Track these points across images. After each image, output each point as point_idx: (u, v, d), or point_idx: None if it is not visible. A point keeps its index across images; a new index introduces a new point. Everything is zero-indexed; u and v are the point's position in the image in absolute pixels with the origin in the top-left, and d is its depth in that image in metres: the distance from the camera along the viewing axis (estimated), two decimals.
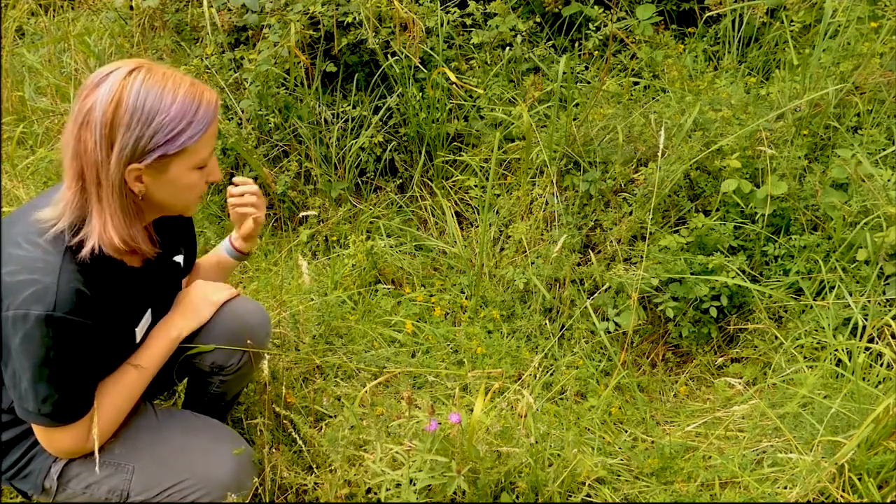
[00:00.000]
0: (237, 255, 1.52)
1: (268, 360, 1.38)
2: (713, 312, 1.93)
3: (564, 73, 2.26)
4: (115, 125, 1.05)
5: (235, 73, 2.51)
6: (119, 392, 1.21)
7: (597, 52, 2.63)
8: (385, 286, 2.18)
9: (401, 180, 2.58)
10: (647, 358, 2.01)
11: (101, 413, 1.18)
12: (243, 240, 1.49)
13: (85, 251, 1.08)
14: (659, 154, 1.90)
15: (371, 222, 2.44)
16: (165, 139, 1.08)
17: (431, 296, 2.15)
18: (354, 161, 2.50)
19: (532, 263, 2.16)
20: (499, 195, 2.39)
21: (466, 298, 2.16)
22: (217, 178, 1.20)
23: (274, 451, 1.41)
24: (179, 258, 1.36)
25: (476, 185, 2.39)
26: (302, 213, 2.11)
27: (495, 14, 2.63)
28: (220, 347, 1.36)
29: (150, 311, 1.27)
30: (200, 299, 1.33)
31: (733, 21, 2.56)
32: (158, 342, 1.27)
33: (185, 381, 1.52)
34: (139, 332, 1.25)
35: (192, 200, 1.19)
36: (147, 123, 1.06)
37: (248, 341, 1.38)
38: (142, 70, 1.08)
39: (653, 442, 1.65)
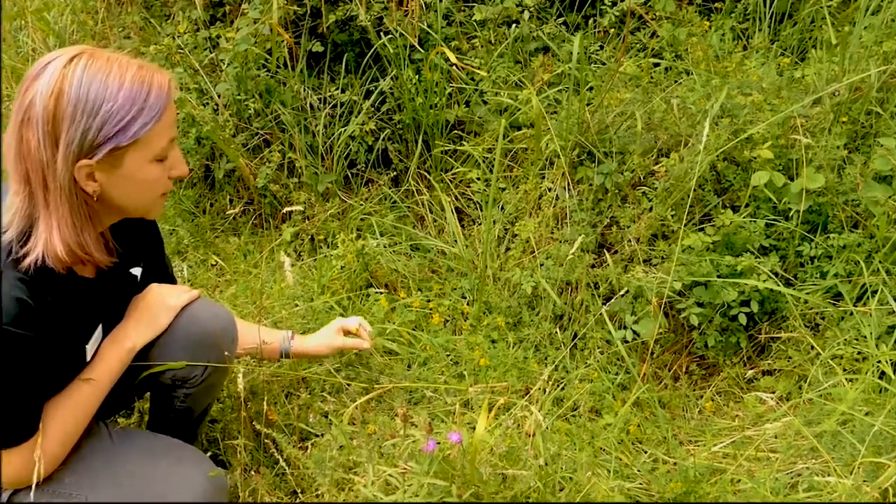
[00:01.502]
0: (285, 353, 1.63)
1: (243, 373, 1.39)
2: (742, 320, 1.93)
3: (577, 53, 2.26)
4: (59, 119, 1.04)
5: (211, 53, 2.51)
6: (68, 412, 1.19)
7: (613, 30, 2.62)
8: (378, 290, 2.18)
9: (395, 173, 2.58)
10: (670, 370, 2.01)
11: (48, 435, 1.15)
12: (312, 349, 1.65)
13: (28, 261, 1.08)
14: (682, 143, 1.89)
15: (362, 219, 2.44)
16: (115, 130, 1.07)
17: (429, 301, 2.15)
18: (343, 151, 2.50)
19: (541, 265, 2.16)
20: (504, 189, 2.39)
21: (468, 304, 2.17)
22: (182, 173, 1.19)
23: (254, 473, 1.41)
24: (137, 271, 1.35)
25: (479, 178, 2.39)
26: (285, 209, 2.14)
27: None
28: (192, 364, 1.36)
29: (101, 326, 1.26)
30: (157, 305, 1.33)
31: None
32: (111, 355, 1.26)
33: (147, 396, 1.52)
34: (90, 349, 1.24)
35: (153, 199, 1.18)
36: (93, 114, 1.05)
37: (213, 348, 1.38)
38: (83, 56, 1.07)
39: (675, 464, 1.64)
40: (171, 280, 1.53)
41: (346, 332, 1.73)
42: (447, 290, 2.22)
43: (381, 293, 2.17)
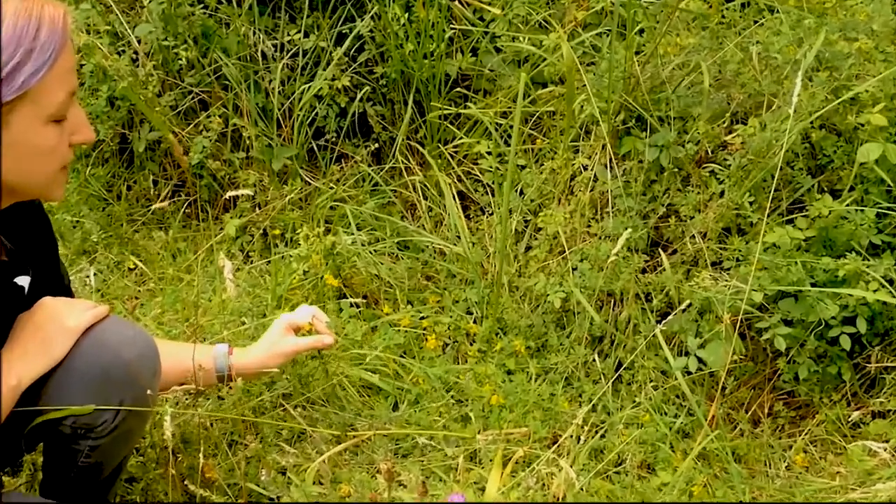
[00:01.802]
0: (224, 375, 1.64)
1: (170, 415, 1.37)
2: (845, 343, 1.92)
3: None
4: None
5: None
6: None
7: None
8: (353, 303, 2.16)
9: (377, 145, 2.56)
10: (747, 411, 2.00)
11: None
12: (258, 362, 1.67)
13: None
14: (764, 105, 1.89)
15: (332, 208, 2.43)
16: None
17: (423, 318, 2.14)
18: (307, 116, 2.48)
19: (574, 270, 2.14)
20: (524, 167, 2.37)
21: (475, 322, 2.15)
22: (87, 138, 1.18)
23: None
24: (24, 280, 1.35)
25: (490, 153, 2.37)
26: (228, 194, 2.13)
27: None
28: (100, 409, 1.34)
29: None
30: (51, 327, 1.31)
31: None
32: None
33: (41, 448, 1.50)
34: None
35: (51, 175, 1.18)
36: None
37: (128, 384, 1.36)
38: None
39: None
40: (68, 293, 1.51)
41: (297, 331, 1.72)
42: (447, 303, 2.20)
43: (358, 307, 2.15)
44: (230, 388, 1.79)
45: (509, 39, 2.50)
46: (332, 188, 2.46)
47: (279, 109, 2.48)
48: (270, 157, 2.45)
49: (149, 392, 1.38)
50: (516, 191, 2.33)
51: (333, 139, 2.54)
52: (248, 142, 2.46)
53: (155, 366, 1.41)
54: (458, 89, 2.54)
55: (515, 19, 2.52)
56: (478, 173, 2.45)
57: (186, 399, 1.80)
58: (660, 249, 2.17)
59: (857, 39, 2.18)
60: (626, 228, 2.08)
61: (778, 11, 2.35)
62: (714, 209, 2.11)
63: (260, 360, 1.69)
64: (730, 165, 2.12)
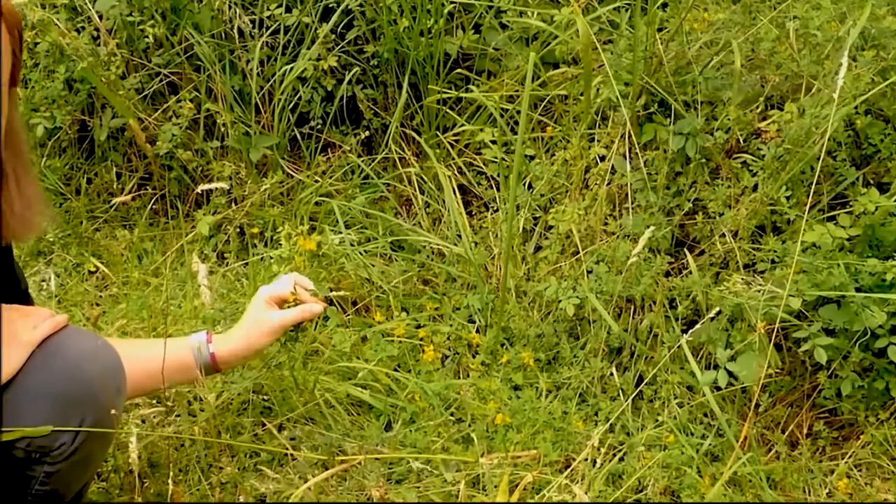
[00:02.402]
0: (209, 366, 1.67)
1: (136, 436, 1.39)
2: (893, 355, 1.90)
3: None
4: None
5: None
6: None
7: None
8: (342, 310, 2.16)
9: (368, 132, 2.56)
10: (784, 432, 2.00)
11: None
12: (245, 345, 1.68)
13: None
14: (803, 88, 1.90)
15: (317, 203, 2.42)
16: None
17: (419, 327, 2.15)
18: (290, 100, 2.47)
19: (589, 273, 2.15)
20: (533, 158, 2.36)
21: (478, 332, 2.15)
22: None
23: None
24: None
25: (495, 142, 2.37)
26: (201, 188, 2.12)
27: None
28: (58, 430, 1.34)
29: None
30: (4, 338, 1.31)
31: None
32: None
33: None
34: None
35: None
36: None
37: (89, 403, 1.35)
38: None
39: None
40: (26, 298, 1.51)
41: (281, 304, 1.74)
42: (446, 310, 2.21)
43: (347, 314, 2.15)
44: (202, 406, 1.81)
45: (516, 14, 2.50)
46: (317, 181, 2.45)
47: (258, 93, 2.47)
48: (248, 147, 2.44)
49: (112, 412, 1.38)
50: (524, 184, 2.32)
51: (319, 126, 2.54)
52: (222, 129, 2.46)
53: (119, 382, 1.41)
54: (459, 70, 2.53)
55: None
56: (481, 165, 2.45)
57: (155, 417, 1.81)
58: (685, 250, 2.17)
59: None
60: (648, 227, 2.08)
61: None
62: (746, 205, 2.11)
63: (245, 342, 1.70)
64: (764, 156, 2.11)
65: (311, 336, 2.09)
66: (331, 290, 1.87)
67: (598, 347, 2.08)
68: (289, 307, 1.73)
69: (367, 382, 2.00)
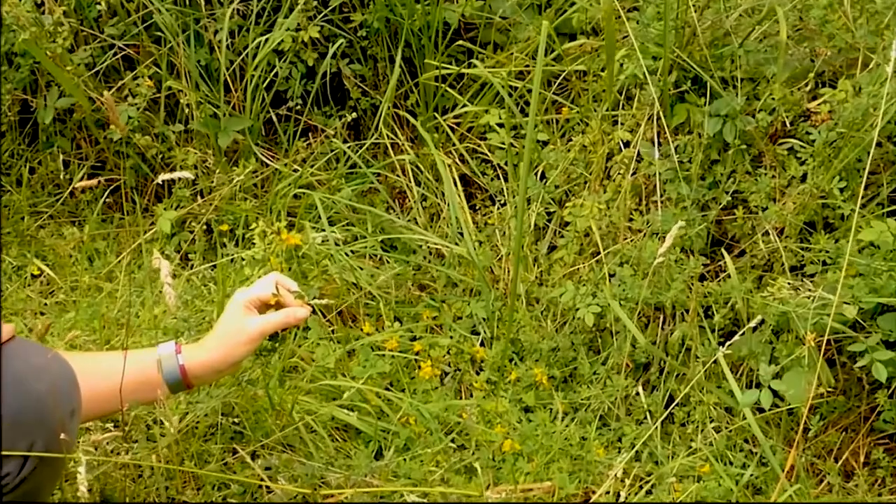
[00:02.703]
0: (178, 382, 1.64)
1: (86, 464, 1.36)
2: None
3: None
4: None
5: None
6: None
7: None
8: (325, 319, 2.15)
9: (355, 114, 2.55)
10: (837, 460, 2.00)
11: None
12: (221, 356, 1.65)
13: None
14: (859, 63, 1.91)
15: (297, 196, 2.40)
16: None
17: (415, 339, 2.14)
18: (264, 77, 2.46)
19: (611, 277, 2.15)
20: (546, 143, 2.36)
21: (483, 344, 2.12)
22: None
23: None
24: None
25: (502, 125, 2.35)
26: (161, 178, 2.05)
27: None
28: (3, 455, 1.33)
29: None
30: None
31: None
32: None
33: None
34: None
35: None
36: None
37: (37, 425, 1.36)
38: None
39: None
40: None
41: (262, 309, 1.72)
42: (446, 320, 2.22)
43: (331, 325, 2.12)
44: (163, 431, 1.80)
45: None
46: (296, 171, 2.44)
47: (227, 69, 2.46)
48: (216, 131, 2.42)
49: (63, 437, 1.38)
50: (536, 174, 2.31)
51: (298, 107, 2.54)
52: (186, 111, 2.44)
53: (74, 401, 1.42)
54: (461, 42, 2.54)
55: None
56: (486, 151, 2.45)
57: (108, 444, 1.80)
58: (723, 250, 2.17)
59: None
60: (679, 223, 2.04)
61: None
62: (793, 198, 2.10)
63: (221, 351, 1.67)
64: (814, 141, 2.11)
65: (290, 350, 2.08)
66: (314, 298, 1.82)
67: (621, 363, 2.09)
68: (269, 311, 1.72)
69: (354, 403, 2.01)
